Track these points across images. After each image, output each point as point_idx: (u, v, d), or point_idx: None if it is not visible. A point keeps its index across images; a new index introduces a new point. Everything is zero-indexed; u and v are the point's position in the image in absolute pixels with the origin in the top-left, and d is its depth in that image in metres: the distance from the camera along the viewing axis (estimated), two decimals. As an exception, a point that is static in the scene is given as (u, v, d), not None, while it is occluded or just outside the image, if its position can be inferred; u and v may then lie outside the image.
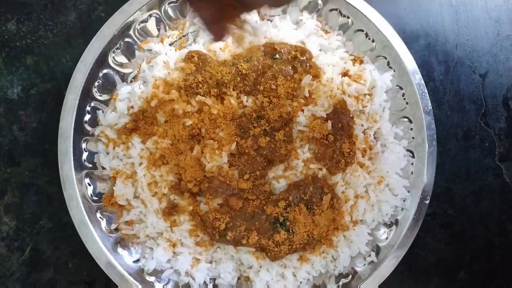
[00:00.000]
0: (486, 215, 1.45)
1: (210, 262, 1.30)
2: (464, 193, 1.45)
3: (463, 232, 1.42)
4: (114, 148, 1.30)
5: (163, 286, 1.28)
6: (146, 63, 1.35)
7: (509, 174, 1.46)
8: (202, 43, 1.33)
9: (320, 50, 1.34)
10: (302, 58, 1.29)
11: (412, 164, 1.32)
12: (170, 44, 1.37)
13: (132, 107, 1.31)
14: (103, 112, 1.32)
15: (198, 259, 1.29)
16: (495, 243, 1.44)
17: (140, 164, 1.29)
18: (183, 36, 1.37)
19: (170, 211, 1.27)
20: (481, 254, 1.43)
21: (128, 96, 1.32)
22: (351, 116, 1.29)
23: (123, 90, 1.32)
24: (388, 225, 1.31)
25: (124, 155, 1.31)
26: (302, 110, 1.29)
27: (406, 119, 1.33)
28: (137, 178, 1.29)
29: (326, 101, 1.28)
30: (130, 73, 1.36)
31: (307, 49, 1.31)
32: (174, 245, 1.29)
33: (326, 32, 1.37)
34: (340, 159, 1.25)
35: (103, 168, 1.31)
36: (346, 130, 1.27)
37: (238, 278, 1.32)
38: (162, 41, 1.37)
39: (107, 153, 1.31)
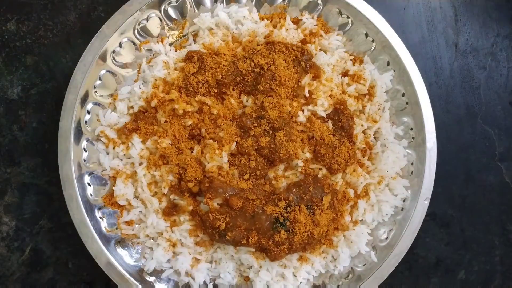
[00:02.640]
0: (486, 215, 1.45)
1: (210, 262, 1.30)
2: (464, 193, 1.45)
3: (463, 232, 1.42)
4: (114, 148, 1.30)
5: (163, 286, 1.28)
6: (146, 63, 1.35)
7: (509, 174, 1.46)
8: (201, 42, 1.33)
9: (320, 50, 1.34)
10: (302, 58, 1.29)
11: (412, 164, 1.32)
12: (170, 44, 1.37)
13: (132, 107, 1.32)
14: (103, 112, 1.32)
15: (198, 259, 1.29)
16: (495, 243, 1.44)
17: (140, 164, 1.30)
18: (183, 36, 1.37)
19: (170, 211, 1.27)
20: (481, 254, 1.44)
21: (128, 96, 1.32)
22: (351, 116, 1.29)
23: (123, 90, 1.32)
24: (388, 225, 1.31)
25: (124, 155, 1.31)
26: (302, 110, 1.29)
27: (406, 119, 1.33)
28: (137, 178, 1.29)
29: (326, 101, 1.28)
30: (130, 73, 1.36)
31: (307, 48, 1.31)
32: (174, 245, 1.29)
33: (327, 32, 1.37)
34: (340, 159, 1.26)
35: (103, 168, 1.31)
36: (346, 130, 1.28)
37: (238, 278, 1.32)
38: (162, 41, 1.37)
39: (107, 153, 1.31)
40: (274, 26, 1.34)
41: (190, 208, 1.26)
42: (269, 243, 1.22)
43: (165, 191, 1.27)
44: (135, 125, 1.30)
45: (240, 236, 1.23)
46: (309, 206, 1.24)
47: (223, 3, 1.35)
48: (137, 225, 1.30)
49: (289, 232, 1.22)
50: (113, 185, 1.29)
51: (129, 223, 1.30)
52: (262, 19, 1.36)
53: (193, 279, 1.28)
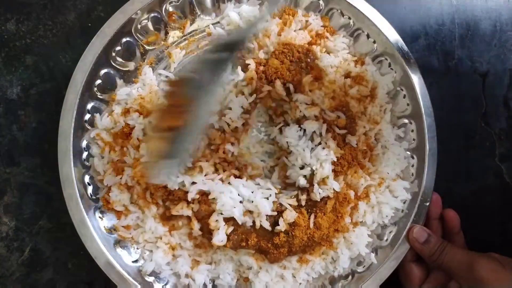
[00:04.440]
0: (486, 215, 1.45)
1: (210, 263, 1.30)
2: (464, 193, 1.45)
3: (463, 232, 1.41)
4: (110, 152, 1.29)
5: (162, 286, 1.28)
6: (147, 63, 1.34)
7: (509, 174, 1.46)
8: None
9: (325, 51, 1.34)
10: (305, 59, 1.29)
11: (412, 166, 1.32)
12: (172, 43, 1.37)
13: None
14: (100, 114, 1.31)
15: (198, 261, 1.29)
16: (495, 243, 1.44)
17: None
18: (184, 36, 1.37)
19: (168, 216, 1.27)
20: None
21: (126, 98, 1.31)
22: (353, 118, 1.28)
23: (122, 91, 1.31)
24: (388, 227, 1.32)
25: (118, 160, 1.30)
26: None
27: (407, 121, 1.33)
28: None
29: (329, 103, 1.28)
30: (131, 72, 1.35)
31: (311, 49, 1.30)
32: (173, 248, 1.28)
33: (332, 33, 1.36)
34: (343, 162, 1.26)
35: (98, 173, 1.30)
36: (349, 132, 1.27)
37: (237, 279, 1.32)
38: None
39: (102, 157, 1.30)
40: (285, 24, 1.33)
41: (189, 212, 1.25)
42: (269, 246, 1.22)
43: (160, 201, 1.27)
44: (131, 129, 1.29)
45: (239, 239, 1.22)
46: (309, 210, 1.24)
47: (230, 1, 1.34)
48: (134, 230, 1.29)
49: (289, 235, 1.22)
50: (109, 191, 1.28)
51: (127, 227, 1.29)
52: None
53: (193, 280, 1.28)
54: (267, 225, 1.22)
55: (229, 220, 1.23)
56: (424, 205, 1.28)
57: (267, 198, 1.24)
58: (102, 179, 1.30)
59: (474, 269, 1.15)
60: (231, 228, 1.22)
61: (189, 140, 1.11)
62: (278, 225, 1.22)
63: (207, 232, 1.23)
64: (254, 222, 1.23)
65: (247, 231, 1.23)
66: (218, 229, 1.22)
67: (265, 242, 1.22)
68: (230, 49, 1.14)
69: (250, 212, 1.23)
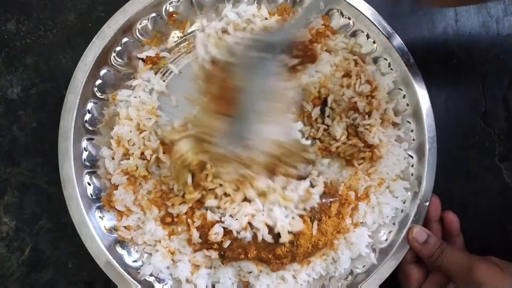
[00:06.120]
0: (486, 215, 1.45)
1: (210, 268, 1.29)
2: (464, 193, 1.45)
3: (463, 232, 1.41)
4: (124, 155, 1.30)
5: (163, 286, 1.28)
6: (142, 66, 1.34)
7: (509, 174, 1.45)
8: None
9: (325, 50, 1.34)
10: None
11: (412, 166, 1.32)
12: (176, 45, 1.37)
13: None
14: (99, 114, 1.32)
15: (198, 265, 1.28)
16: (495, 244, 1.44)
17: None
18: (184, 36, 1.37)
19: (168, 220, 1.26)
20: (481, 254, 1.43)
21: (127, 99, 1.32)
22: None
23: (122, 92, 1.32)
24: (388, 227, 1.32)
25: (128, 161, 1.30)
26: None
27: (406, 121, 1.33)
28: (137, 184, 1.29)
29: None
30: (131, 73, 1.35)
31: (312, 48, 1.30)
32: (172, 253, 1.28)
33: (333, 33, 1.36)
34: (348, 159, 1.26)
35: (109, 173, 1.30)
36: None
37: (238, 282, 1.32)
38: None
39: (113, 158, 1.31)
40: (284, 21, 1.33)
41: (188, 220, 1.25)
42: (270, 257, 1.20)
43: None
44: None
45: (236, 253, 1.21)
46: (312, 218, 1.24)
47: (229, 2, 1.34)
48: (134, 231, 1.29)
49: (293, 245, 1.21)
50: (114, 189, 1.29)
51: (127, 228, 1.29)
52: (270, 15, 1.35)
53: (195, 285, 1.27)
54: (269, 238, 1.21)
55: (226, 233, 1.23)
56: (424, 205, 1.28)
57: (287, 216, 1.23)
58: (109, 178, 1.30)
59: (473, 273, 1.15)
60: (228, 242, 1.21)
61: (244, 128, 1.11)
62: (280, 236, 1.20)
63: (206, 241, 1.23)
64: (254, 234, 1.23)
65: (245, 244, 1.22)
66: (217, 242, 1.22)
67: (266, 253, 1.20)
68: (271, 50, 1.11)
69: (250, 225, 1.23)
